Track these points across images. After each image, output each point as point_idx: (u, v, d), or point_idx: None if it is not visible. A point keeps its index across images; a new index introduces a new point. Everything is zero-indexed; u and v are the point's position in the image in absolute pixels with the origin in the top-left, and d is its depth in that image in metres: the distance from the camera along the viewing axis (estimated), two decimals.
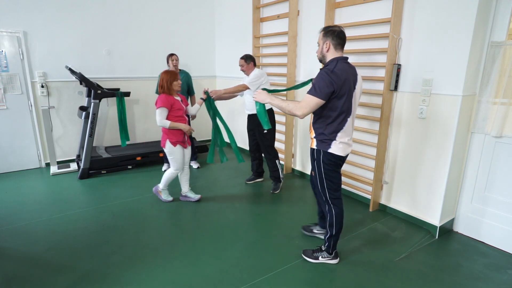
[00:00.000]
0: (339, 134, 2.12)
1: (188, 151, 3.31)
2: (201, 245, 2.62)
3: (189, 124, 3.30)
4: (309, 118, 3.66)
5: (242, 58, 3.52)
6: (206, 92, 3.25)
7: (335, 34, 2.07)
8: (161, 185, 3.36)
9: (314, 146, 2.21)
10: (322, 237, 2.69)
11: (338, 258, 2.42)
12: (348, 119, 2.12)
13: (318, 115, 2.14)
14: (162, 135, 3.17)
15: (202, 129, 5.86)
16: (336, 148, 2.14)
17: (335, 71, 1.99)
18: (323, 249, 2.39)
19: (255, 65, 3.54)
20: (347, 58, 2.12)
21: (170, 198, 3.42)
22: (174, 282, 2.17)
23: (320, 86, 1.98)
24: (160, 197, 3.40)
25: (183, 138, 3.16)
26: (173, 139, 3.11)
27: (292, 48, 3.89)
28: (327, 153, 2.15)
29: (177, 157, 3.17)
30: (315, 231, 2.77)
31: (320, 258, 2.38)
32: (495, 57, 2.45)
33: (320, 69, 2.10)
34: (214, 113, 3.29)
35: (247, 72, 3.52)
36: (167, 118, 3.06)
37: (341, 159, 2.19)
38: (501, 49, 2.41)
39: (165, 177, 3.30)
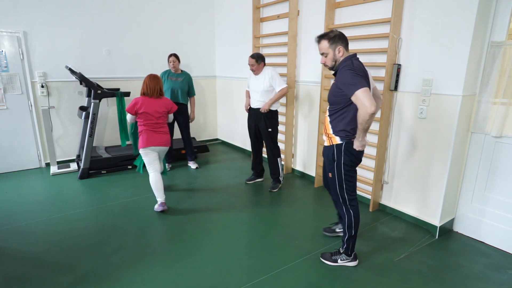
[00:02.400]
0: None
1: None
2: (201, 245, 2.62)
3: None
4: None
5: (253, 57, 3.43)
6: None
7: (342, 38, 2.07)
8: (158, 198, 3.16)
9: (338, 141, 2.10)
10: None
11: (357, 260, 2.37)
12: None
13: (338, 110, 2.07)
14: (168, 135, 3.29)
15: (201, 129, 5.87)
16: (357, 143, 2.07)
17: (354, 65, 1.99)
18: (342, 251, 2.35)
19: (264, 64, 3.50)
20: (356, 54, 2.10)
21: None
22: (174, 282, 2.17)
23: (354, 80, 1.92)
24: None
25: None
26: None
27: (292, 48, 3.89)
28: (351, 147, 2.07)
29: None
30: (337, 230, 2.73)
31: (339, 261, 2.34)
32: (495, 57, 2.45)
33: (340, 69, 2.05)
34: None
35: (256, 71, 3.47)
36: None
37: (360, 155, 2.14)
38: (501, 49, 2.41)
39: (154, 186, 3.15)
